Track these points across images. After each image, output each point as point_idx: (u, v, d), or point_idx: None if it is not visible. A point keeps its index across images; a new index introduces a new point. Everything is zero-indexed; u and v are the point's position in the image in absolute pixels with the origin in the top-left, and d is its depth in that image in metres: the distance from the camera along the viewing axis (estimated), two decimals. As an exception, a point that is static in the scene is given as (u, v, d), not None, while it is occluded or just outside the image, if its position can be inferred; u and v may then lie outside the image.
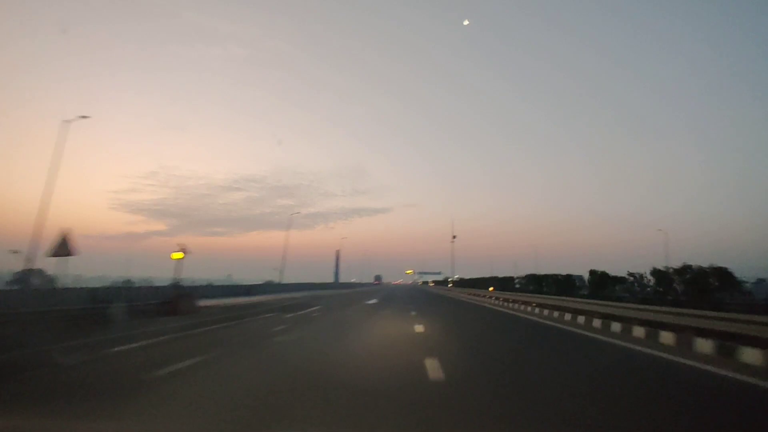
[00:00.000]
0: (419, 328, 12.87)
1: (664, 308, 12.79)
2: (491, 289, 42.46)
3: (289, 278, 69.99)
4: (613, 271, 37.36)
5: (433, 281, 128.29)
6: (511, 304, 26.39)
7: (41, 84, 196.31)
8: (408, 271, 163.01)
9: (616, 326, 12.97)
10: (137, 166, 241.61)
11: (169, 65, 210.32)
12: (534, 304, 22.41)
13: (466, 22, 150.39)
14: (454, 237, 73.70)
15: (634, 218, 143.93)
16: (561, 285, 31.18)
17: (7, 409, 4.75)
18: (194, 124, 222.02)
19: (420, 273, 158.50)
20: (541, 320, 17.04)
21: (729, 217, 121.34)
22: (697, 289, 19.59)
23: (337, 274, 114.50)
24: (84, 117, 24.03)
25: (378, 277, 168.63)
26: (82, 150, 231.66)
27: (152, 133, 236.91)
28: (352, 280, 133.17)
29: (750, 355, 8.03)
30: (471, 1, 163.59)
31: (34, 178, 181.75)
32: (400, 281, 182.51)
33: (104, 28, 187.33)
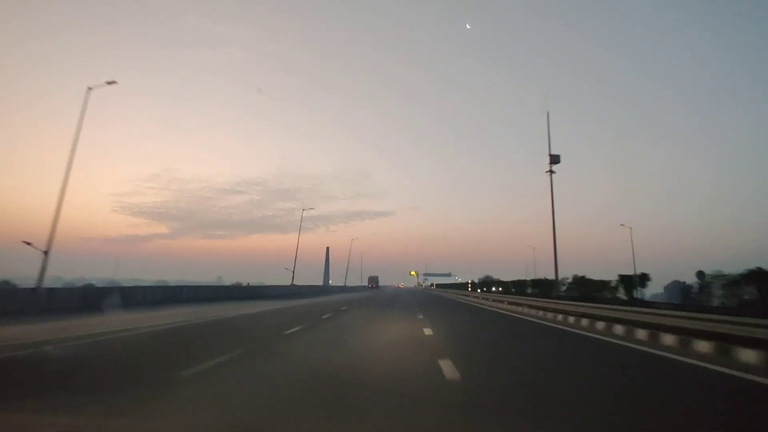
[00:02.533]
0: None
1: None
2: None
3: (283, 282, 61.48)
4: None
5: (472, 283, 78.34)
6: None
7: (44, 86, 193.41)
8: (412, 273, 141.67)
9: None
10: (140, 168, 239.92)
11: (172, 68, 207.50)
12: None
13: (468, 26, 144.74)
14: (553, 162, 29.42)
15: (648, 223, 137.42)
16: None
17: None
18: (197, 126, 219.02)
19: (426, 275, 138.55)
20: None
21: (746, 221, 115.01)
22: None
23: (326, 275, 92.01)
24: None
25: (374, 279, 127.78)
26: (84, 152, 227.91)
27: (155, 135, 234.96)
28: (329, 283, 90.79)
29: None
30: (476, 3, 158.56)
31: (37, 179, 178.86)
32: (401, 284, 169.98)
33: (107, 30, 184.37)
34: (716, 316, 11.20)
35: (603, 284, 30.26)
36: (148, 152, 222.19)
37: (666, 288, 33.71)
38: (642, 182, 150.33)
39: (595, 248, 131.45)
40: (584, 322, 15.52)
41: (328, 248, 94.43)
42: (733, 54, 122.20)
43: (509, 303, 28.39)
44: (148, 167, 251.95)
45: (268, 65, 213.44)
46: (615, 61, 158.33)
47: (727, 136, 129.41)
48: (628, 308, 15.45)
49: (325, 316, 18.21)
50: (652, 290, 30.51)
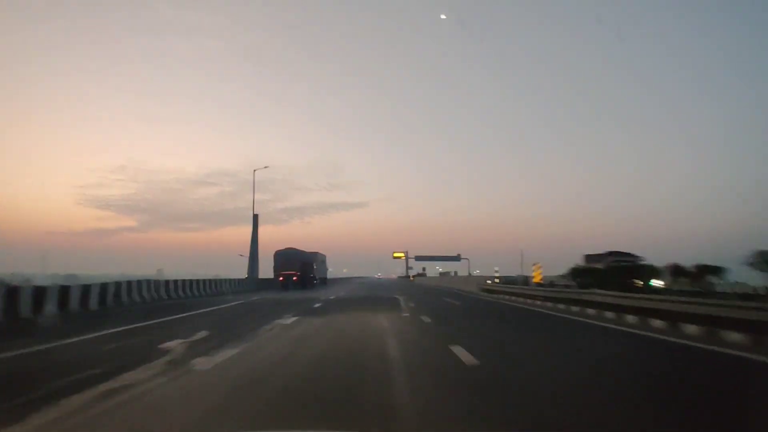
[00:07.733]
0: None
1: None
2: None
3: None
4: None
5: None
6: None
7: (6, 78, 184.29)
8: (396, 254, 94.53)
9: None
10: (105, 160, 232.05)
11: (139, 57, 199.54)
12: None
13: (443, 16, 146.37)
14: None
15: (618, 212, 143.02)
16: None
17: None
18: (164, 117, 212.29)
19: (418, 258, 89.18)
20: None
21: (713, 212, 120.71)
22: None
23: (253, 261, 43.73)
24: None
25: (297, 260, 43.24)
26: (47, 144, 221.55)
27: (120, 126, 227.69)
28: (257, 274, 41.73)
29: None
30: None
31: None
32: (379, 275, 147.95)
33: (71, 19, 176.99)
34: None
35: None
36: (113, 143, 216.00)
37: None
38: (612, 170, 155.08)
39: (563, 236, 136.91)
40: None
41: (255, 216, 45.67)
42: (706, 41, 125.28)
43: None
44: (114, 158, 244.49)
45: (239, 55, 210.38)
46: (589, 50, 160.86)
47: (700, 125, 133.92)
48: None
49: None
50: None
